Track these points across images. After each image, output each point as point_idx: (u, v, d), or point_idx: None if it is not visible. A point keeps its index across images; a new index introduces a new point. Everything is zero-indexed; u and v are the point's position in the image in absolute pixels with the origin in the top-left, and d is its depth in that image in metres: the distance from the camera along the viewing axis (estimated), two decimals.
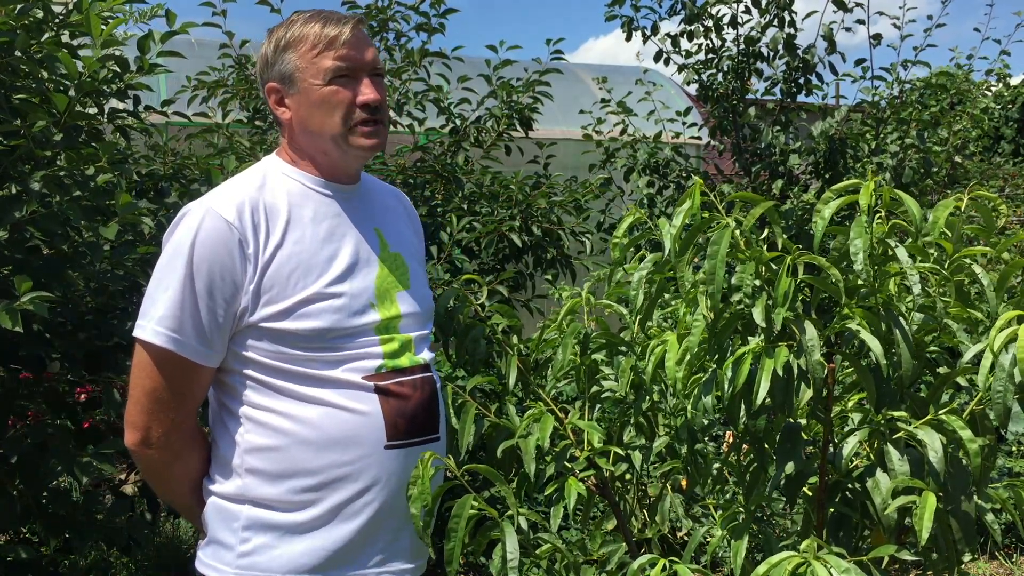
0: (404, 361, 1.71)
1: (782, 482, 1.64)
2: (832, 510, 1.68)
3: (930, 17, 4.72)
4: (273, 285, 1.63)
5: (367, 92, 1.69)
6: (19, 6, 2.35)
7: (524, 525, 1.69)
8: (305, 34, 1.68)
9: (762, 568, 1.43)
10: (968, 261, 1.61)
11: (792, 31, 4.37)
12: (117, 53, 2.55)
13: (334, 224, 1.73)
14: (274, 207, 1.68)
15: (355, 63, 1.69)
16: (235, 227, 1.62)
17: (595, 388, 2.02)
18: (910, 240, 1.62)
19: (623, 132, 5.02)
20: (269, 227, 1.65)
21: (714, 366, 1.64)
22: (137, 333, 1.64)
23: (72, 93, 2.36)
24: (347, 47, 1.68)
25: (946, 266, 1.62)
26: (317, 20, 1.69)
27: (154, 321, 1.61)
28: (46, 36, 2.38)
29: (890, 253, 1.57)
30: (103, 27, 2.39)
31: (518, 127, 4.08)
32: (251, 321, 1.63)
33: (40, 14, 2.43)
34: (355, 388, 1.65)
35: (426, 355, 1.76)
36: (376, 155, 1.79)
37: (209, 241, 1.61)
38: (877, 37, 4.50)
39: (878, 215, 1.60)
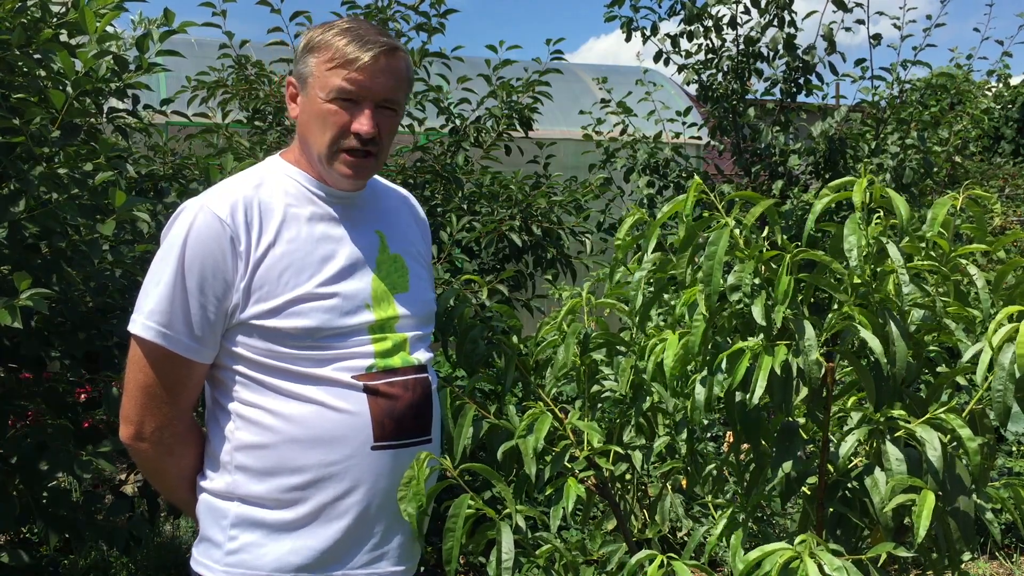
0: (396, 361, 1.71)
1: (778, 481, 1.64)
2: (831, 509, 1.67)
3: (929, 17, 4.73)
4: (264, 283, 1.63)
5: (363, 123, 1.67)
6: (17, 4, 2.35)
7: (523, 524, 1.69)
8: (330, 44, 1.67)
9: (754, 554, 1.43)
10: (963, 261, 1.61)
11: (792, 31, 4.37)
12: (113, 49, 2.55)
13: (331, 225, 1.73)
14: (269, 206, 1.68)
15: (362, 90, 1.67)
16: (227, 224, 1.63)
17: (595, 388, 2.02)
18: (907, 239, 1.62)
19: (623, 132, 5.02)
20: (262, 225, 1.66)
21: (709, 364, 1.64)
22: (129, 327, 1.65)
23: (69, 90, 2.36)
24: (361, 72, 1.66)
25: (944, 265, 1.61)
26: (348, 35, 1.67)
27: (144, 315, 1.62)
28: (43, 34, 2.38)
29: (885, 251, 1.56)
30: (97, 23, 2.39)
31: (518, 127, 4.09)
32: (242, 318, 1.63)
33: (38, 13, 2.43)
34: (344, 387, 1.65)
35: (422, 356, 1.76)
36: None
37: (201, 238, 1.62)
38: (877, 37, 4.50)
39: (876, 214, 1.60)
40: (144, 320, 1.62)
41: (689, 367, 1.70)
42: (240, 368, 1.66)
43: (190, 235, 1.62)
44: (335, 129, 1.68)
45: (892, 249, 1.53)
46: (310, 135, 1.71)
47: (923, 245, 1.63)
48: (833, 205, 1.64)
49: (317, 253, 1.68)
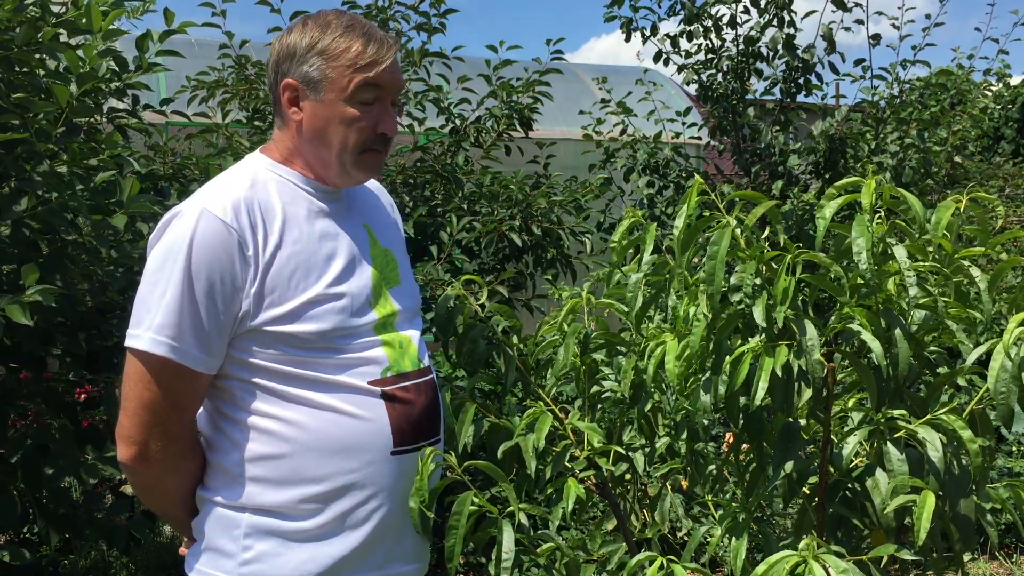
0: (407, 364, 1.68)
1: (779, 481, 1.64)
2: (832, 510, 1.67)
3: (928, 16, 4.73)
4: (275, 287, 1.57)
5: (390, 123, 1.67)
6: (17, 4, 2.35)
7: (525, 522, 1.68)
8: (346, 48, 1.62)
9: (761, 568, 1.42)
10: (966, 263, 1.61)
11: (792, 31, 4.37)
12: (117, 47, 2.55)
13: (327, 223, 1.68)
14: (269, 206, 1.62)
15: (384, 90, 1.65)
16: (233, 228, 1.55)
17: (595, 388, 2.01)
18: (908, 240, 1.62)
19: (623, 132, 5.03)
20: (267, 227, 1.60)
21: (711, 365, 1.64)
22: (132, 343, 1.56)
23: (73, 88, 2.35)
24: (386, 72, 1.64)
25: (946, 266, 1.61)
26: (359, 35, 1.63)
27: (152, 330, 1.54)
28: (45, 31, 2.38)
29: (889, 252, 1.56)
30: (103, 19, 2.39)
31: (518, 127, 4.09)
32: (253, 325, 1.57)
33: (37, 12, 2.43)
34: (361, 393, 1.62)
35: (427, 357, 1.74)
36: None
37: (207, 244, 1.54)
38: (876, 37, 4.51)
39: (878, 215, 1.60)
40: (152, 335, 1.53)
41: (690, 368, 1.70)
42: (250, 377, 1.60)
43: (195, 241, 1.54)
44: (362, 132, 1.65)
45: (899, 251, 1.53)
46: (329, 138, 1.65)
47: (931, 250, 1.63)
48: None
49: (321, 252, 1.64)
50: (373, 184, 1.93)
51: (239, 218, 1.57)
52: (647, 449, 1.96)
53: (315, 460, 1.59)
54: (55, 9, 2.50)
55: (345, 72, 1.62)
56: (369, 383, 1.63)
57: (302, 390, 1.60)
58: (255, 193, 1.63)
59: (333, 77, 1.63)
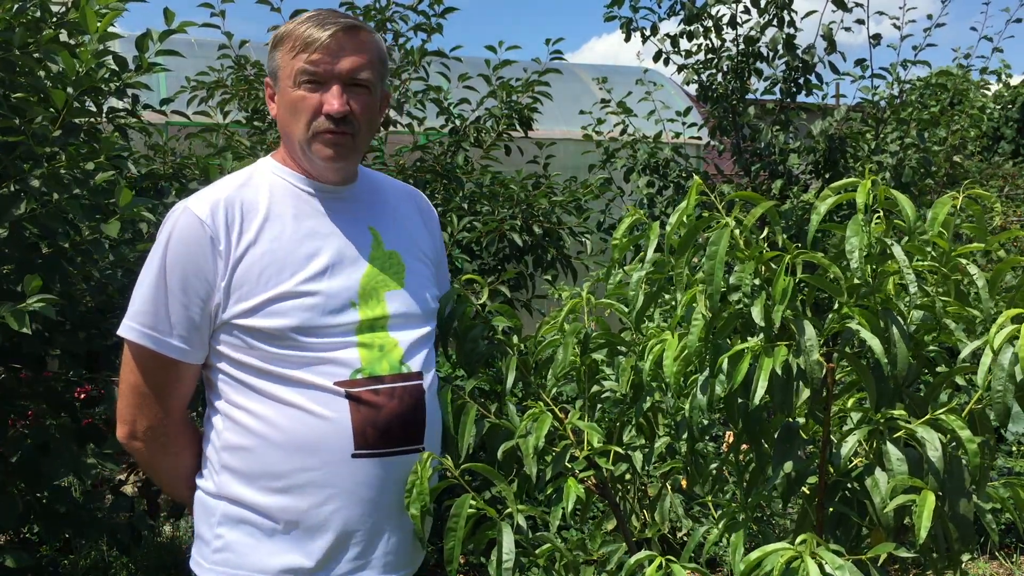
0: (383, 367, 1.67)
1: (778, 481, 1.64)
2: (831, 509, 1.67)
3: (930, 16, 4.73)
4: (244, 283, 1.63)
5: (331, 102, 1.65)
6: (17, 4, 2.35)
7: (523, 524, 1.68)
8: (291, 33, 1.68)
9: (755, 554, 1.42)
10: (964, 261, 1.61)
11: (792, 31, 4.37)
12: (113, 48, 2.55)
13: (320, 222, 1.71)
14: (253, 204, 1.68)
15: (324, 70, 1.65)
16: (207, 225, 1.63)
17: (595, 388, 2.01)
18: (906, 239, 1.62)
19: (623, 132, 5.02)
20: (243, 225, 1.65)
21: (709, 364, 1.63)
22: (119, 329, 1.67)
23: (70, 90, 2.35)
24: (321, 52, 1.64)
25: (944, 265, 1.61)
26: (308, 21, 1.67)
27: (130, 317, 1.65)
28: (44, 34, 2.38)
29: (888, 252, 1.56)
30: (98, 22, 2.39)
31: (518, 127, 4.08)
32: (224, 318, 1.64)
33: (38, 13, 2.43)
34: (324, 392, 1.63)
35: (416, 363, 1.72)
36: (338, 163, 1.73)
37: (182, 239, 1.63)
38: (876, 37, 4.51)
39: (877, 215, 1.60)
40: (129, 322, 1.65)
41: (688, 368, 1.70)
42: (225, 368, 1.67)
43: (172, 237, 1.64)
44: (307, 113, 1.66)
45: (897, 250, 1.53)
46: (288, 127, 1.70)
47: (929, 249, 1.63)
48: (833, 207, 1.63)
49: (301, 251, 1.67)
50: (403, 189, 1.94)
51: (215, 215, 1.65)
52: (647, 449, 1.96)
53: (278, 455, 1.63)
54: (55, 9, 2.50)
55: (287, 58, 1.68)
56: (335, 383, 1.64)
57: (268, 383, 1.64)
58: (241, 192, 1.69)
59: (282, 65, 1.69)
